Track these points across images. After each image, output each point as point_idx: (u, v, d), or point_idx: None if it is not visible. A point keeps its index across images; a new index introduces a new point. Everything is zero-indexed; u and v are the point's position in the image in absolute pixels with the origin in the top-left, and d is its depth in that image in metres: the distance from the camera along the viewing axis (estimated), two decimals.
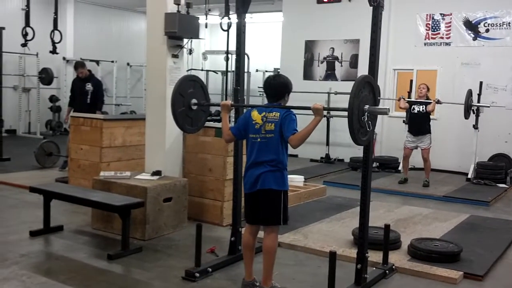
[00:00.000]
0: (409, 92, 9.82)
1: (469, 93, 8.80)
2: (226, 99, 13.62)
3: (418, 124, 8.57)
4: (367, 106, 3.59)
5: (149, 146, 5.97)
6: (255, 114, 3.85)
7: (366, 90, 3.63)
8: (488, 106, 9.24)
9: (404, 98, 8.86)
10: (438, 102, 8.51)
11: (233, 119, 5.08)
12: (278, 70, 13.50)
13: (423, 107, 8.47)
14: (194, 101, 4.51)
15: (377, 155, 10.57)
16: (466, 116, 8.81)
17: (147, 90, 6.27)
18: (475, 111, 9.22)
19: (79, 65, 8.68)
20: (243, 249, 4.03)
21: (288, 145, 3.83)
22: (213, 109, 15.81)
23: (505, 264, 4.96)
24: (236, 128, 4.02)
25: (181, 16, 5.64)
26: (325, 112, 11.50)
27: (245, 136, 3.97)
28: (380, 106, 3.75)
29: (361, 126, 3.58)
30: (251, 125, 3.86)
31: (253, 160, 3.83)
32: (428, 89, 8.62)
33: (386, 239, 4.54)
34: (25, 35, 11.46)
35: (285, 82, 3.94)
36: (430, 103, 8.46)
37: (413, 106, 8.60)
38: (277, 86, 3.91)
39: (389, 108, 3.77)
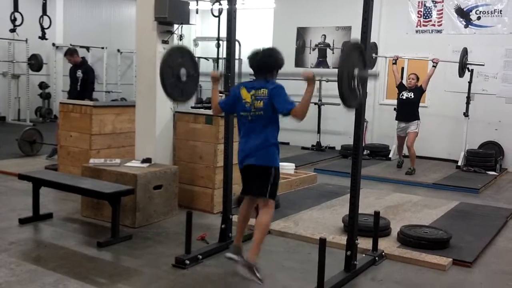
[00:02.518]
0: (401, 80, 9.81)
1: (464, 51, 8.77)
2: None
3: (406, 110, 8.56)
4: (357, 70, 3.59)
5: (139, 133, 5.94)
6: (244, 92, 3.84)
7: (356, 55, 3.62)
8: (483, 64, 9.16)
9: (399, 58, 8.90)
10: (436, 62, 8.47)
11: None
12: None
13: (411, 94, 8.48)
14: (183, 71, 4.47)
15: (368, 143, 10.59)
16: (461, 74, 8.81)
17: (137, 77, 6.22)
18: (469, 70, 9.13)
19: (67, 52, 8.58)
20: (238, 219, 4.14)
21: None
22: (204, 97, 15.74)
23: (494, 250, 4.99)
24: (225, 102, 4.03)
25: (171, 1, 5.58)
26: (316, 100, 11.49)
27: (233, 111, 4.00)
28: (370, 70, 3.75)
29: (352, 91, 3.58)
30: (240, 102, 3.86)
31: (244, 137, 3.87)
32: (417, 79, 8.62)
33: (376, 226, 4.56)
34: (13, 20, 11.34)
35: (274, 55, 3.86)
36: (420, 91, 8.47)
37: (402, 92, 8.60)
38: (264, 59, 3.81)
39: (379, 72, 3.77)
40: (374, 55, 9.45)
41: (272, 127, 3.81)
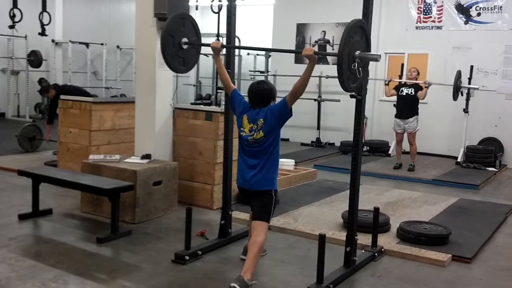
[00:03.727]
0: (400, 76, 9.80)
1: (458, 74, 8.78)
2: (216, 83, 13.55)
3: (406, 106, 8.46)
4: (358, 52, 3.53)
5: (139, 129, 5.94)
6: (245, 122, 3.86)
7: (358, 36, 3.57)
8: (477, 88, 9.23)
9: (392, 80, 8.82)
10: (429, 84, 8.44)
11: (223, 103, 5.04)
12: (269, 55, 13.43)
13: (411, 90, 8.43)
14: (184, 40, 4.44)
15: (368, 139, 10.60)
16: (455, 97, 8.80)
17: (136, 73, 6.22)
18: (463, 93, 9.19)
19: (43, 91, 8.48)
20: (250, 221, 4.17)
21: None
22: (204, 93, 15.73)
23: (492, 247, 5.00)
24: (236, 98, 4.01)
25: None
26: (316, 96, 11.45)
27: (234, 111, 4.05)
28: (372, 52, 3.67)
29: (351, 73, 3.53)
30: (240, 125, 3.89)
31: (244, 161, 3.89)
32: (418, 73, 8.59)
33: (376, 222, 4.56)
34: (12, 16, 11.33)
35: (269, 88, 3.94)
36: (419, 87, 8.41)
37: (401, 88, 8.55)
38: (262, 93, 3.88)
39: (380, 55, 3.69)
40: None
41: (272, 151, 3.82)
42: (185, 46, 4.45)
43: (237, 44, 7.91)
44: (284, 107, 3.76)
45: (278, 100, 3.84)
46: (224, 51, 4.48)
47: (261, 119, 3.79)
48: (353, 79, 3.59)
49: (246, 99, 3.98)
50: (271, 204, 3.86)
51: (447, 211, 6.19)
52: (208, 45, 4.34)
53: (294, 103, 3.76)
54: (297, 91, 3.73)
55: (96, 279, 3.85)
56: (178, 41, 4.39)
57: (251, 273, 3.60)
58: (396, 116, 8.64)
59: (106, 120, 6.69)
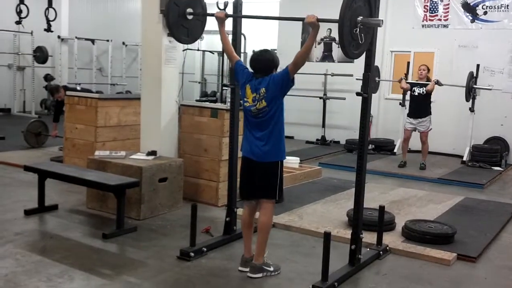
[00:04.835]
0: (406, 74, 9.78)
1: (471, 75, 8.74)
2: (222, 80, 13.56)
3: (419, 106, 8.42)
4: (360, 17, 3.48)
5: (144, 126, 5.95)
6: (248, 92, 3.84)
7: (361, 1, 3.53)
8: (490, 89, 9.19)
9: (404, 79, 8.80)
10: (438, 83, 8.41)
11: (229, 100, 5.03)
12: (275, 51, 13.43)
13: (423, 89, 8.36)
14: (189, 10, 4.41)
15: (373, 137, 10.58)
16: (468, 98, 8.76)
17: (142, 69, 6.22)
18: (474, 94, 9.16)
19: (54, 90, 8.47)
20: (242, 227, 4.10)
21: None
22: (209, 90, 15.74)
23: (498, 246, 4.99)
24: (239, 69, 3.99)
25: None
26: (321, 94, 11.40)
27: (238, 80, 4.04)
28: (374, 18, 3.62)
29: (353, 38, 3.48)
30: (244, 95, 3.87)
31: (250, 132, 3.87)
32: (428, 70, 8.54)
33: (381, 220, 4.56)
34: (19, 12, 11.38)
35: (272, 56, 3.93)
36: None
37: (413, 88, 8.49)
38: (265, 61, 3.86)
39: (382, 20, 3.60)
40: (377, 78, 9.46)
41: (277, 121, 3.80)
42: (190, 17, 4.42)
43: (242, 40, 7.87)
44: (286, 76, 3.73)
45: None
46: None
47: (263, 88, 3.76)
48: (356, 45, 3.53)
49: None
50: (277, 177, 3.80)
51: (453, 210, 6.18)
52: (212, 15, 4.32)
53: (296, 72, 3.73)
54: (299, 60, 3.69)
55: (102, 275, 3.87)
56: (183, 11, 4.36)
57: (262, 255, 3.76)
58: (409, 115, 8.58)
59: (112, 116, 6.70)
